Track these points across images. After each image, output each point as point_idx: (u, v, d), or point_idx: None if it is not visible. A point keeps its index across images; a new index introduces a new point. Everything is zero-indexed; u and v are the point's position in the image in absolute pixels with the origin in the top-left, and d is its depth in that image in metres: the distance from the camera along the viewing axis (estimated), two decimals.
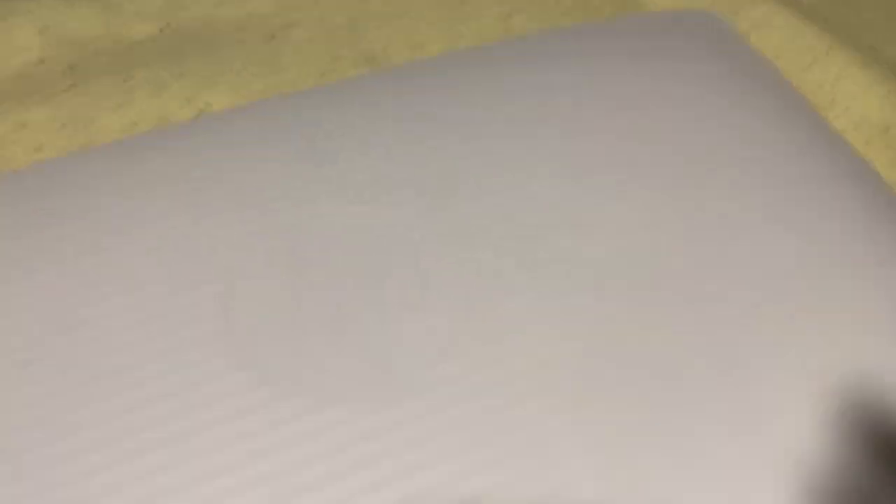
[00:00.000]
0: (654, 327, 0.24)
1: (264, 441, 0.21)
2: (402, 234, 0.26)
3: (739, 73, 0.34)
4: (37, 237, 0.26)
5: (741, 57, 0.35)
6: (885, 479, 0.22)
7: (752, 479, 0.22)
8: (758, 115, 0.31)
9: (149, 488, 0.21)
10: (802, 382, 0.24)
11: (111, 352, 0.23)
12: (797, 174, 0.29)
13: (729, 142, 0.30)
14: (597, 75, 0.31)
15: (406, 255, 0.25)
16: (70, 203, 0.27)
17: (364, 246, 0.26)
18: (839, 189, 0.30)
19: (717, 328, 0.25)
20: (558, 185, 0.28)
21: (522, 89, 0.30)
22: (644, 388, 0.23)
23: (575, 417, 0.22)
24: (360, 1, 0.37)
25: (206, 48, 0.35)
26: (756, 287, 0.26)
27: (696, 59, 0.34)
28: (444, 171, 0.28)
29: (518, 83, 0.30)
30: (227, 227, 0.26)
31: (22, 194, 0.28)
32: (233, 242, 0.26)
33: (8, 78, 0.34)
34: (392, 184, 0.28)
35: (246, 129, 0.30)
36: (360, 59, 0.35)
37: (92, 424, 0.22)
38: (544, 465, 0.21)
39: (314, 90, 0.31)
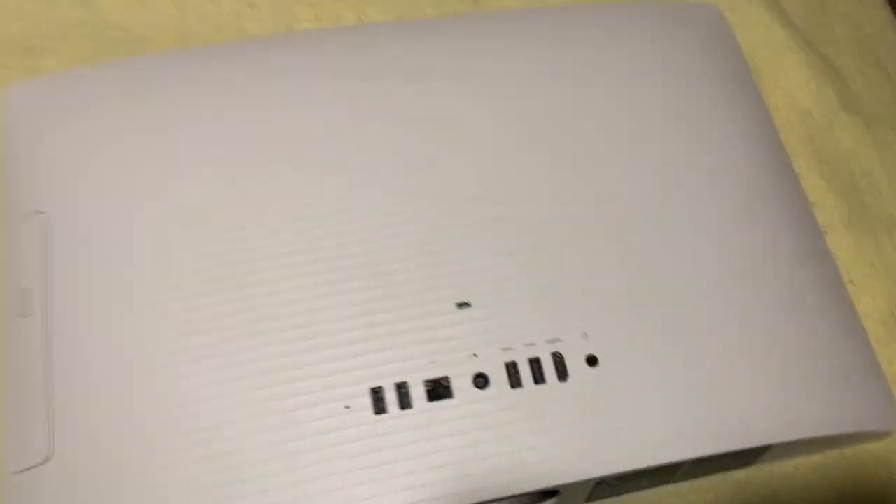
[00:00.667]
0: None
1: None
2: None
3: (712, 53, 0.51)
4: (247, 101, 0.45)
5: (720, 42, 0.52)
6: None
7: None
8: (706, 84, 0.48)
9: None
10: None
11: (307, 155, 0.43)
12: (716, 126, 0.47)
13: (675, 97, 0.47)
14: (601, 48, 0.48)
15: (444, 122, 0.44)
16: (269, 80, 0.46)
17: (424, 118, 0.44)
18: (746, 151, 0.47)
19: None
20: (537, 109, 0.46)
21: (537, 54, 0.48)
22: None
23: None
24: None
25: None
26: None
27: (683, 39, 0.51)
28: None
29: (534, 47, 0.48)
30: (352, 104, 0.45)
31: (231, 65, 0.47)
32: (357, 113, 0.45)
33: None
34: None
35: (375, 41, 0.48)
36: None
37: None
38: None
39: (424, 21, 0.49)
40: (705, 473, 0.42)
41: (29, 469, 0.37)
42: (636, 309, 0.40)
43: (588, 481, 0.37)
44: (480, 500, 0.37)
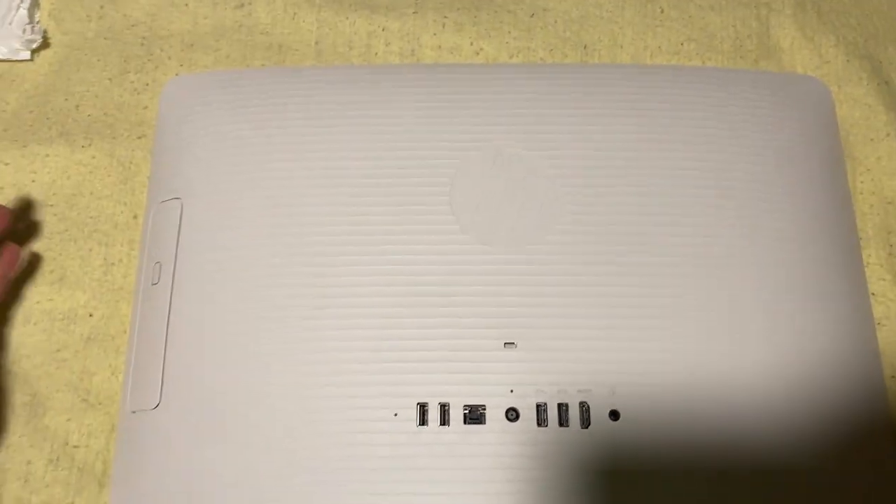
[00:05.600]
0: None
1: None
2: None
3: (807, 128, 0.52)
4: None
5: (817, 118, 0.53)
6: None
7: None
8: (794, 156, 0.50)
9: None
10: None
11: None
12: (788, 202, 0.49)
13: (761, 164, 0.50)
14: (702, 109, 0.51)
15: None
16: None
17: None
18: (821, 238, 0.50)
19: None
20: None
21: (651, 108, 0.51)
22: None
23: None
24: (593, 5, 0.58)
25: (493, 10, 0.57)
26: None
27: (782, 110, 0.52)
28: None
29: (651, 104, 0.51)
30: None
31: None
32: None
33: None
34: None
35: (480, 82, 0.52)
36: (579, 45, 0.57)
37: None
38: None
39: (530, 65, 0.54)
40: None
41: (142, 411, 0.46)
42: (666, 375, 0.44)
43: None
44: None
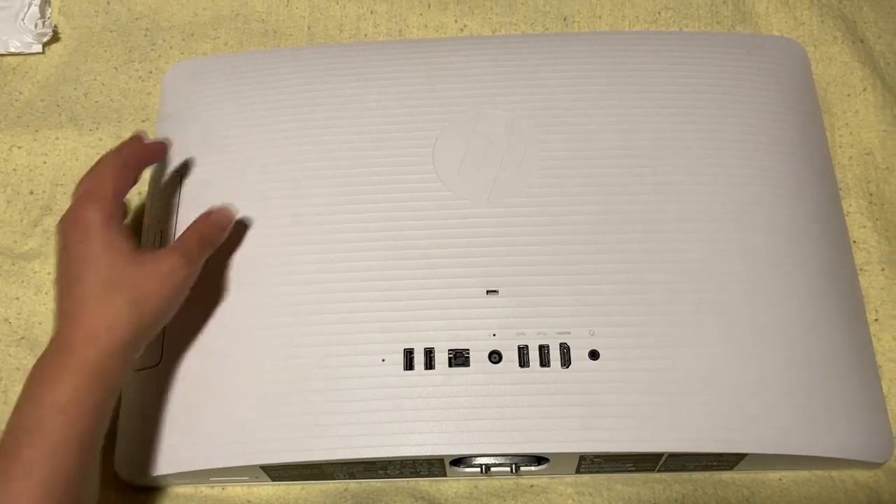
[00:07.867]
0: None
1: None
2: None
3: (784, 87, 0.54)
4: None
5: (794, 77, 0.55)
6: None
7: None
8: (772, 115, 0.52)
9: None
10: None
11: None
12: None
13: (740, 124, 0.51)
14: (685, 74, 0.53)
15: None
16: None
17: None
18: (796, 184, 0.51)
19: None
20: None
21: (628, 72, 0.53)
22: None
23: None
24: None
25: None
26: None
27: (759, 71, 0.54)
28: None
29: (629, 68, 0.53)
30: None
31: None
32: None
33: None
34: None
35: (462, 53, 0.55)
36: (559, 17, 0.59)
37: None
38: None
39: (513, 37, 0.56)
40: (688, 469, 0.47)
41: (145, 369, 0.48)
42: (644, 316, 0.46)
43: (572, 455, 0.44)
44: (477, 453, 0.44)
